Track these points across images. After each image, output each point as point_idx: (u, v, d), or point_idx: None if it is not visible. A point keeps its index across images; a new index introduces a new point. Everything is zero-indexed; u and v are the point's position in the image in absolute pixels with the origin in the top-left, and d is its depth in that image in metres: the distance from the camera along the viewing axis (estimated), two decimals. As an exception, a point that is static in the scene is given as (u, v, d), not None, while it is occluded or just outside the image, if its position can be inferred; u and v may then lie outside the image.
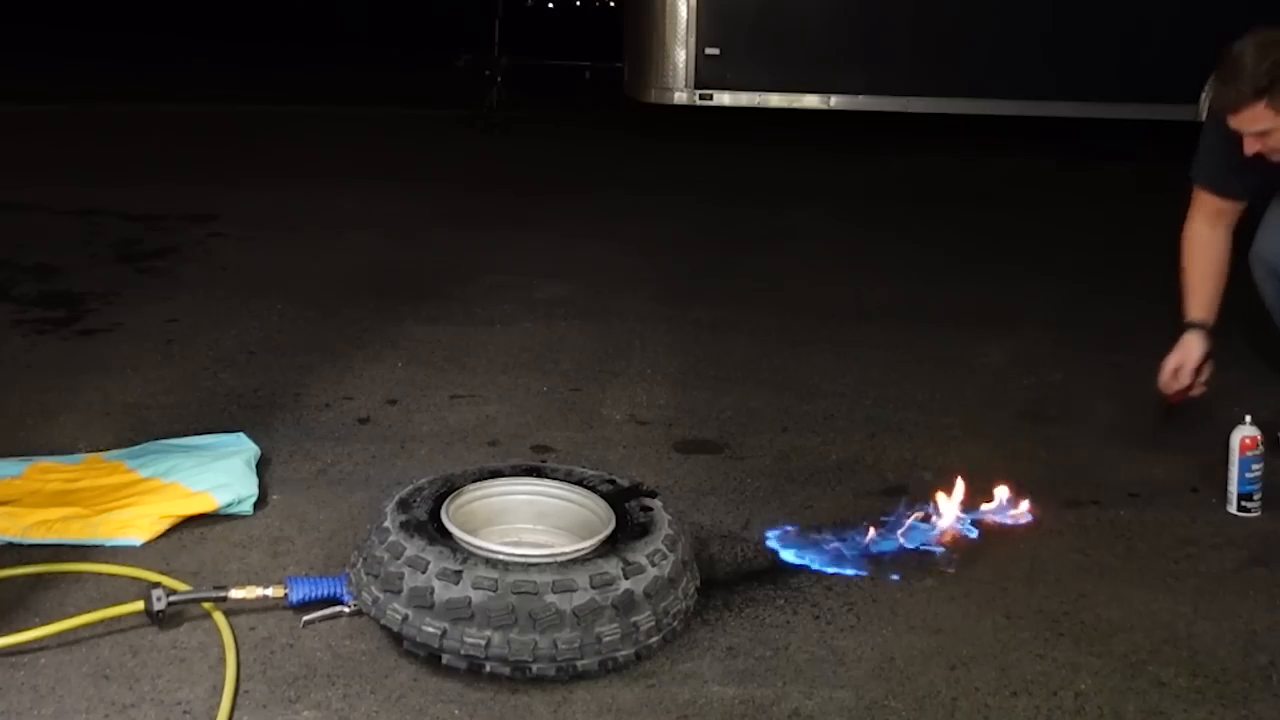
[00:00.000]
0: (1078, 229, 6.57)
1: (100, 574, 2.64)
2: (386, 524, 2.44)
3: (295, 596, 2.48)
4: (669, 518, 2.54)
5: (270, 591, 2.48)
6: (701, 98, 8.82)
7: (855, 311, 4.87)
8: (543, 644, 2.24)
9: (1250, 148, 3.09)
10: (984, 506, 3.02)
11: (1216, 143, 3.27)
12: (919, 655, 2.45)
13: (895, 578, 2.72)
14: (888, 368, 4.20)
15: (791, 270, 5.56)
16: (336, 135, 9.38)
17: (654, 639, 2.36)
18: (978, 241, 6.20)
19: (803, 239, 6.23)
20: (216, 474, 2.99)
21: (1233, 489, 3.12)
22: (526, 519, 2.67)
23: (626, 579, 2.32)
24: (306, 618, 2.46)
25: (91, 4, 17.53)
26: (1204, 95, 8.50)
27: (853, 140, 9.30)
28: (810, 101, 8.95)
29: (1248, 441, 3.08)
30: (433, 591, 2.28)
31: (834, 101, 8.91)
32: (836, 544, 2.83)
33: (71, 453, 3.24)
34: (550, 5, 25.70)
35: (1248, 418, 3.11)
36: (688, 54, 8.73)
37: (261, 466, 3.16)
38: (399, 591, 2.31)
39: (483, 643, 2.24)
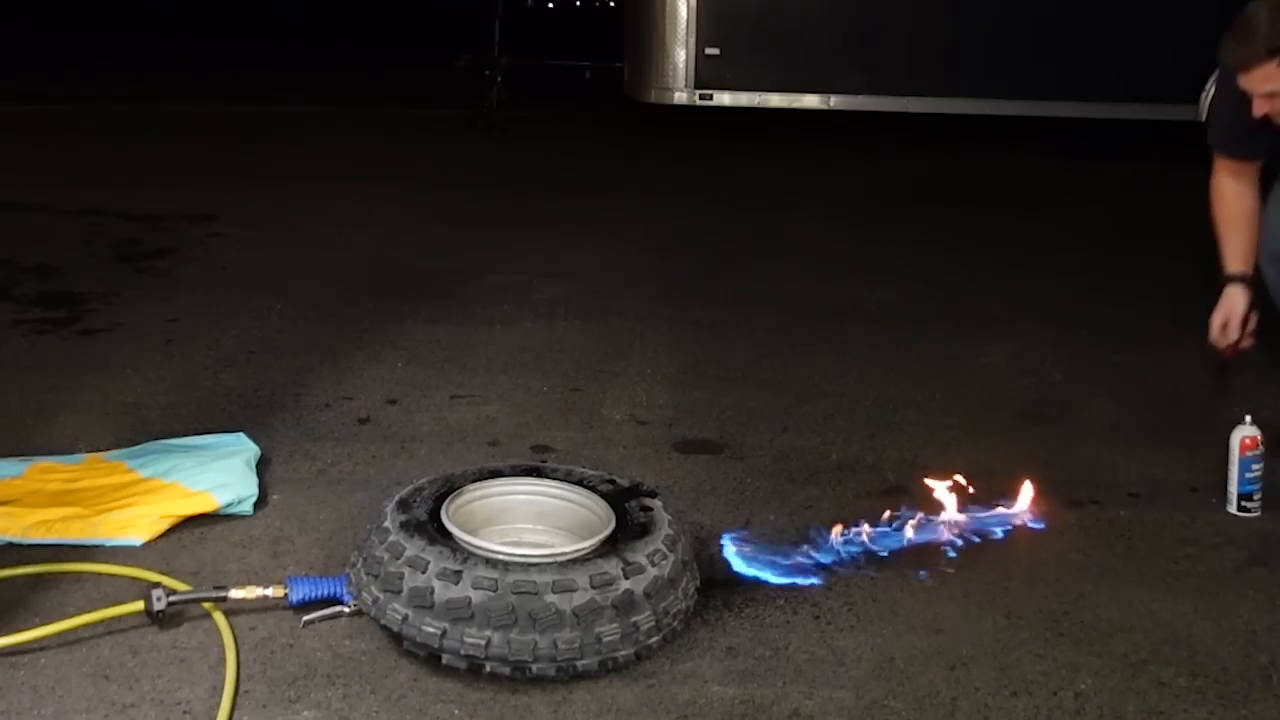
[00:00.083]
0: (1078, 229, 6.56)
1: (100, 574, 2.64)
2: (386, 524, 2.44)
3: (295, 596, 2.48)
4: (669, 518, 2.54)
5: (270, 591, 2.48)
6: (701, 98, 8.82)
7: (855, 311, 4.87)
8: (543, 644, 2.24)
9: (1259, 109, 3.07)
10: (982, 511, 3.03)
11: (1227, 107, 3.25)
12: (919, 655, 2.45)
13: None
14: (888, 368, 4.20)
15: (791, 270, 5.56)
16: (336, 135, 9.38)
17: (654, 639, 2.36)
18: (978, 241, 6.20)
19: (803, 239, 6.23)
20: (216, 474, 2.99)
21: (1233, 489, 3.12)
22: (526, 519, 2.67)
23: (626, 579, 2.32)
24: (306, 618, 2.46)
25: (91, 4, 17.52)
26: (1204, 95, 8.51)
27: (853, 140, 9.30)
28: (810, 101, 8.95)
29: (1248, 441, 3.08)
30: (433, 591, 2.28)
31: (834, 101, 8.92)
32: (796, 554, 2.78)
33: (71, 453, 3.24)
34: (550, 5, 25.71)
35: (1248, 418, 3.12)
36: (688, 54, 8.73)
37: (261, 466, 3.16)
38: (399, 591, 2.31)
39: (483, 643, 2.24)
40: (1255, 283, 3.40)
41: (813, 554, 2.78)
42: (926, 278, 5.45)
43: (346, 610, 2.47)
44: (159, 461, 3.10)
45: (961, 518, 2.97)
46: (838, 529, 2.83)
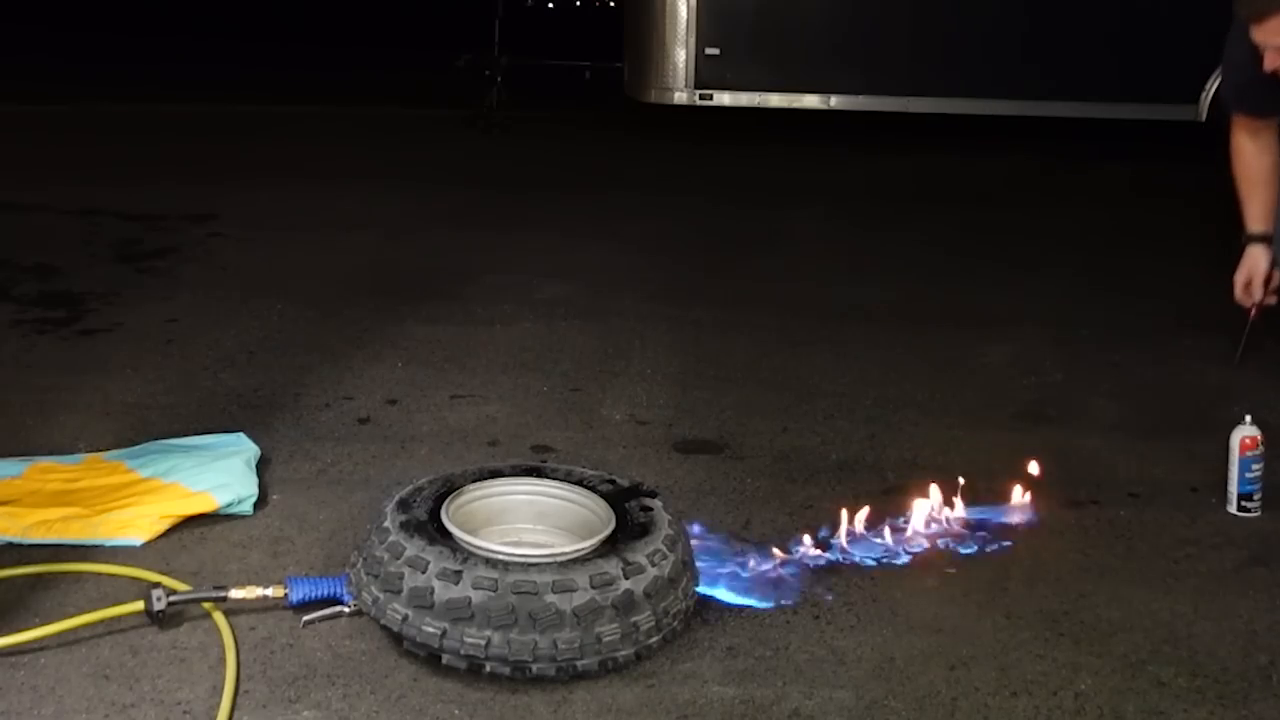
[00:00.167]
0: (1077, 229, 6.56)
1: (100, 574, 2.65)
2: (386, 524, 2.44)
3: (295, 596, 2.48)
4: (669, 518, 2.54)
5: (270, 591, 2.48)
6: (701, 98, 8.82)
7: (855, 311, 4.87)
8: (543, 644, 2.25)
9: (1270, 63, 3.04)
10: (979, 508, 3.03)
11: (1241, 64, 3.24)
12: (919, 655, 2.45)
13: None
14: (888, 368, 4.20)
15: (792, 270, 5.56)
16: (336, 135, 9.38)
17: (654, 639, 2.36)
18: (978, 241, 6.20)
19: (803, 239, 6.23)
20: (216, 474, 2.99)
21: (1233, 489, 3.12)
22: (526, 519, 2.67)
23: (626, 579, 2.32)
24: (306, 618, 2.46)
25: (91, 5, 17.52)
26: (1204, 95, 8.52)
27: (853, 140, 9.30)
28: (810, 101, 8.96)
29: (1248, 441, 3.08)
30: (433, 591, 2.28)
31: (834, 101, 8.92)
32: (760, 565, 2.74)
33: (71, 453, 3.24)
34: (550, 5, 25.70)
35: (1248, 418, 3.12)
36: (688, 54, 8.73)
37: (261, 466, 3.16)
38: (399, 591, 2.31)
39: (483, 643, 2.24)
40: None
41: (776, 561, 2.76)
42: (926, 278, 5.45)
43: (346, 610, 2.47)
44: (159, 461, 3.10)
45: (951, 520, 2.97)
46: (808, 538, 2.82)
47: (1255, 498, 3.10)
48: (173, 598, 2.44)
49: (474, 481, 2.66)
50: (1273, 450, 3.15)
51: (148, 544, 2.78)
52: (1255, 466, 3.09)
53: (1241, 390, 3.92)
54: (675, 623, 2.41)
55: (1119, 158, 8.53)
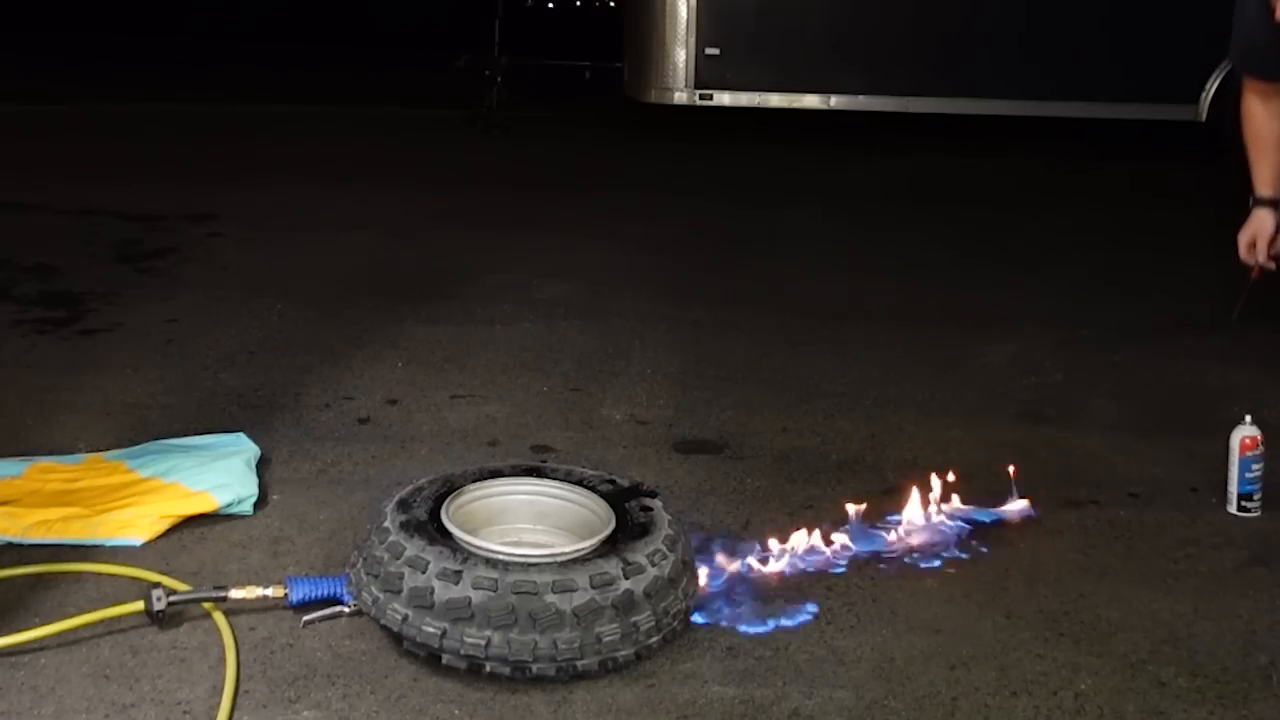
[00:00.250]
0: (1078, 229, 6.57)
1: (100, 574, 2.65)
2: (386, 524, 2.44)
3: (295, 596, 2.48)
4: (669, 518, 2.54)
5: (270, 591, 2.48)
6: (701, 98, 8.82)
7: (855, 311, 4.87)
8: (543, 644, 2.24)
9: None
10: (968, 508, 3.03)
11: (1251, 26, 3.23)
12: (919, 655, 2.45)
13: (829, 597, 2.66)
14: (888, 368, 4.20)
15: (792, 270, 5.56)
16: (336, 135, 9.38)
17: (654, 639, 2.36)
18: (977, 241, 6.20)
19: (803, 239, 6.23)
20: (216, 474, 2.99)
21: (1233, 489, 3.12)
22: (526, 519, 2.67)
23: (626, 579, 2.32)
24: (306, 618, 2.46)
25: (92, 5, 17.52)
26: (1204, 95, 8.53)
27: (853, 140, 9.30)
28: (810, 101, 8.96)
29: (1248, 441, 3.08)
30: (433, 591, 2.28)
31: (834, 101, 8.92)
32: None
33: (71, 453, 3.24)
34: (550, 5, 25.69)
35: (1248, 418, 3.12)
36: (688, 54, 8.73)
37: (261, 466, 3.16)
38: (399, 591, 2.31)
39: (483, 643, 2.24)
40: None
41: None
42: (926, 278, 5.45)
43: (346, 610, 2.47)
44: (159, 461, 3.10)
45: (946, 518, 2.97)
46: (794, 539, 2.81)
47: (1255, 498, 3.11)
48: (173, 598, 2.44)
49: (474, 481, 2.66)
50: (1273, 450, 3.15)
51: (148, 544, 2.78)
52: (1255, 466, 3.09)
53: (1241, 390, 3.92)
54: (675, 623, 2.41)
55: (1119, 158, 8.52)
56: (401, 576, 2.31)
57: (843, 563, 2.79)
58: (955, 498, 3.04)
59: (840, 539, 2.85)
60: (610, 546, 2.41)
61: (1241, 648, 2.51)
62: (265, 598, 2.47)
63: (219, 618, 2.45)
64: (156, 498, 2.90)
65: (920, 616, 2.59)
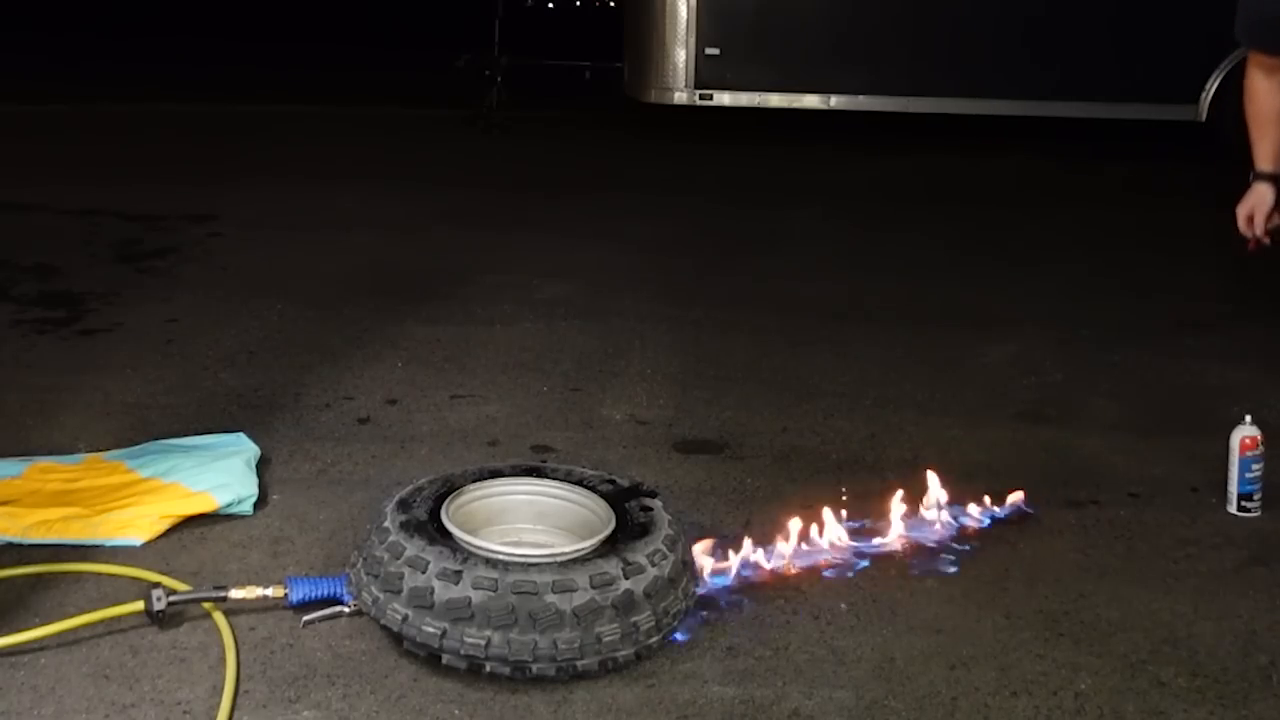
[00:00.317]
0: (1078, 229, 6.56)
1: (100, 574, 2.65)
2: (386, 524, 2.44)
3: (295, 596, 2.48)
4: (669, 518, 2.54)
5: (270, 591, 2.48)
6: (701, 98, 8.82)
7: (855, 311, 4.87)
8: (543, 644, 2.25)
9: None
10: (971, 508, 3.03)
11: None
12: (919, 655, 2.45)
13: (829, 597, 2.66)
14: (888, 368, 4.20)
15: (792, 270, 5.56)
16: (336, 135, 9.38)
17: (654, 639, 2.36)
18: (978, 241, 6.20)
19: (803, 239, 6.23)
20: (216, 474, 2.99)
21: (1233, 489, 3.12)
22: (526, 519, 2.67)
23: (626, 579, 2.32)
24: (306, 618, 2.46)
25: (92, 5, 17.52)
26: (1204, 95, 8.52)
27: (853, 140, 9.30)
28: (810, 101, 8.95)
29: (1248, 441, 3.08)
30: (433, 591, 2.28)
31: (834, 101, 8.91)
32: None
33: (71, 453, 3.24)
34: (550, 5, 25.69)
35: (1248, 418, 3.12)
36: (688, 54, 8.72)
37: (261, 466, 3.16)
38: (399, 591, 2.31)
39: (483, 643, 2.24)
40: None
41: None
42: (926, 278, 5.45)
43: (346, 610, 2.47)
44: (159, 461, 3.10)
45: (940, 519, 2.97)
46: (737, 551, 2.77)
47: (1255, 498, 3.11)
48: (173, 598, 2.44)
49: (474, 481, 2.66)
50: (1273, 450, 3.15)
51: (148, 544, 2.78)
52: (1255, 466, 3.10)
53: (1241, 390, 3.92)
54: (675, 623, 2.42)
55: (1119, 157, 8.52)
56: (401, 576, 2.31)
57: (843, 563, 2.79)
58: (955, 499, 3.04)
59: (840, 539, 2.85)
60: (610, 546, 2.41)
61: (1241, 648, 2.51)
62: (265, 598, 2.47)
63: (219, 618, 2.46)
64: (156, 498, 2.90)
65: (920, 616, 2.59)
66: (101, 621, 2.41)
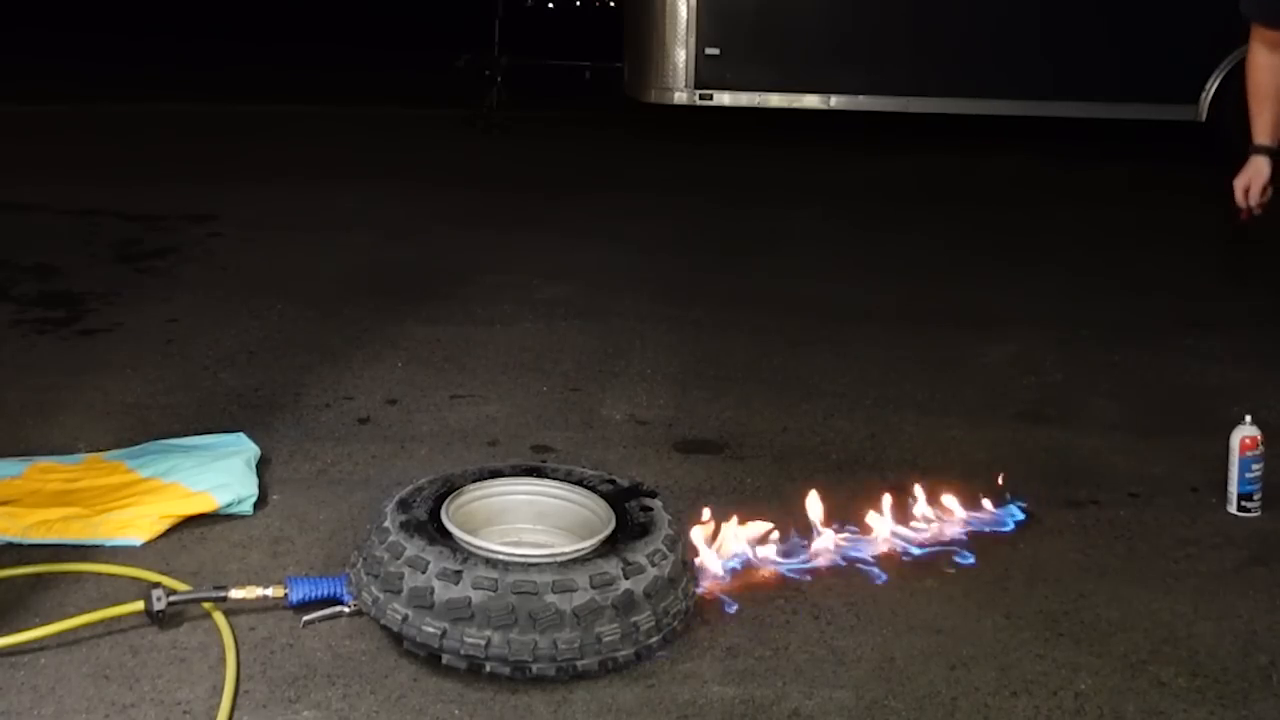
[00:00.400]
0: (1078, 229, 6.56)
1: (100, 574, 2.65)
2: (386, 524, 2.44)
3: (295, 596, 2.48)
4: (669, 518, 2.54)
5: (270, 591, 2.48)
6: (701, 98, 8.81)
7: (855, 311, 4.87)
8: (543, 644, 2.25)
9: None
10: (967, 514, 3.03)
11: None
12: (919, 655, 2.45)
13: (829, 597, 2.68)
14: (888, 368, 4.20)
15: (791, 270, 5.56)
16: (336, 135, 9.38)
17: (654, 639, 2.36)
18: (978, 241, 6.20)
19: (803, 239, 6.23)
20: (216, 474, 2.99)
21: (1233, 489, 3.12)
22: (526, 519, 2.68)
23: (626, 579, 2.32)
24: (306, 618, 2.46)
25: (92, 5, 17.52)
26: (1204, 95, 8.52)
27: (853, 140, 9.30)
28: (810, 101, 8.95)
29: (1248, 441, 3.08)
30: (433, 591, 2.28)
31: (834, 101, 8.91)
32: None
33: (71, 453, 3.24)
34: (550, 5, 25.69)
35: (1248, 418, 3.12)
36: (688, 54, 8.72)
37: (261, 466, 3.16)
38: (399, 591, 2.31)
39: (483, 643, 2.24)
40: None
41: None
42: (926, 278, 5.45)
43: (346, 610, 2.47)
44: (159, 461, 3.10)
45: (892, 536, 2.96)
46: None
47: (1255, 498, 3.11)
48: (173, 598, 2.44)
49: (474, 481, 2.66)
50: (1273, 450, 3.15)
51: (148, 544, 2.78)
52: (1255, 466, 3.10)
53: (1241, 390, 3.92)
54: (675, 623, 2.41)
55: (1119, 157, 8.52)
56: (401, 576, 2.31)
57: (843, 563, 2.79)
58: (954, 500, 3.04)
59: (840, 539, 2.85)
60: (610, 546, 2.41)
61: (1241, 648, 2.51)
62: (265, 598, 2.47)
63: (219, 618, 2.45)
64: (156, 498, 2.91)
65: (920, 616, 2.59)
66: (101, 621, 2.41)
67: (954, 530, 2.95)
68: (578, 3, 26.25)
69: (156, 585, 2.48)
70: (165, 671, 2.31)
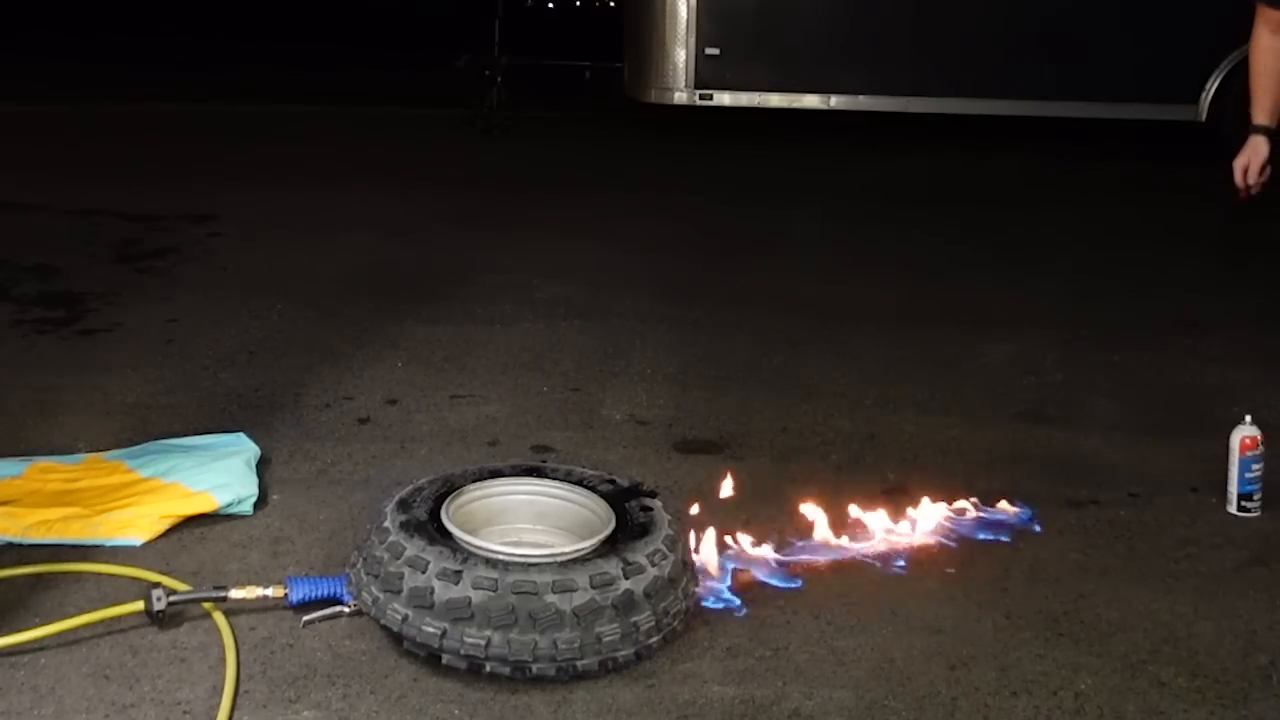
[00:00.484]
0: (1078, 229, 6.57)
1: (100, 574, 2.65)
2: (386, 524, 2.44)
3: (295, 596, 2.48)
4: (669, 518, 2.54)
5: (270, 591, 2.48)
6: (701, 98, 8.81)
7: (855, 311, 4.87)
8: (543, 644, 2.25)
9: None
10: (958, 515, 3.03)
11: None
12: (919, 655, 2.45)
13: (829, 597, 2.69)
14: (888, 368, 4.20)
15: (792, 270, 5.56)
16: (336, 135, 9.38)
17: (654, 639, 2.36)
18: (978, 241, 6.20)
19: (803, 239, 6.23)
20: (216, 474, 2.99)
21: (1233, 489, 3.12)
22: (526, 519, 2.68)
23: (626, 579, 2.32)
24: (306, 618, 2.46)
25: (91, 5, 17.52)
26: (1204, 95, 8.52)
27: (853, 140, 9.30)
28: (810, 101, 8.95)
29: (1248, 441, 3.08)
30: (433, 591, 2.28)
31: (834, 101, 8.91)
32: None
33: (71, 453, 3.24)
34: (550, 5, 25.69)
35: (1248, 418, 3.12)
36: (688, 54, 8.72)
37: (261, 466, 3.16)
38: (399, 591, 2.31)
39: (483, 643, 2.24)
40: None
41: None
42: (926, 277, 5.45)
43: (346, 610, 2.47)
44: (159, 461, 3.10)
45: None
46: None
47: (1255, 498, 3.11)
48: (173, 598, 2.44)
49: (474, 481, 2.66)
50: (1273, 450, 3.15)
51: (148, 544, 2.78)
52: (1255, 466, 3.10)
53: (1241, 390, 3.92)
54: (675, 623, 2.41)
55: (1119, 157, 8.52)
56: (401, 576, 2.31)
57: (842, 563, 2.79)
58: (952, 500, 3.04)
59: (839, 540, 2.85)
60: (610, 546, 2.41)
61: (1241, 648, 2.51)
62: (265, 598, 2.47)
63: (219, 618, 2.46)
64: (156, 498, 2.91)
65: (920, 616, 2.59)
66: (101, 621, 2.41)
67: (954, 530, 2.95)
68: (578, 3, 26.25)
69: (156, 585, 2.48)
70: (165, 671, 2.31)
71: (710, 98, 8.82)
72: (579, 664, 2.28)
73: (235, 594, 2.46)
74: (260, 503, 2.99)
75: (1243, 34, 3.46)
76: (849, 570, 2.78)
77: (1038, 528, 3.01)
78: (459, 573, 2.28)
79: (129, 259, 5.37)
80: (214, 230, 5.91)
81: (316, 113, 10.38)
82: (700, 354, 4.30)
